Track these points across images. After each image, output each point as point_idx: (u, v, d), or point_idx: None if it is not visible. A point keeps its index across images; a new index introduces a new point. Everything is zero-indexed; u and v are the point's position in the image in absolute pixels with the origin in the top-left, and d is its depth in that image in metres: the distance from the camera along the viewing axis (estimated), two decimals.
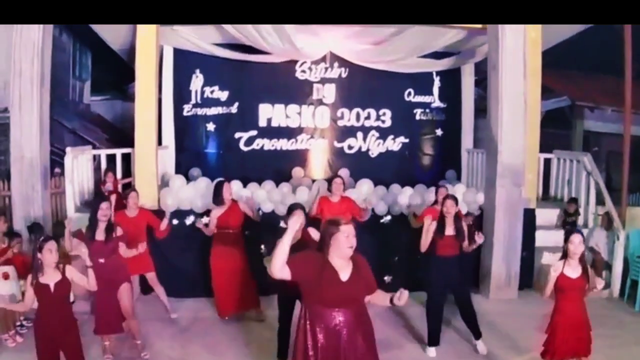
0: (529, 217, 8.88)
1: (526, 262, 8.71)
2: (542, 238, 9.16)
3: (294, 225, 3.84)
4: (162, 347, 6.73)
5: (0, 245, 7.17)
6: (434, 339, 6.55)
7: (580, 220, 9.53)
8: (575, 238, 5.05)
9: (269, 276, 3.86)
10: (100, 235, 6.12)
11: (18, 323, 7.30)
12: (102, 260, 5.86)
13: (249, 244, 7.67)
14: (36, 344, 4.97)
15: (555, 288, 5.09)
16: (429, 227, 6.40)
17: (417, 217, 8.12)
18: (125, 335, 6.45)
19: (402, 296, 3.86)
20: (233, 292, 7.35)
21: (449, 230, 6.41)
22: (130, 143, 9.42)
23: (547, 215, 9.57)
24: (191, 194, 8.62)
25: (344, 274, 3.87)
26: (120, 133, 14.94)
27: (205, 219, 7.76)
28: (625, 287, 8.40)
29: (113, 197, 8.25)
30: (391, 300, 3.94)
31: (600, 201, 9.50)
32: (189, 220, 8.34)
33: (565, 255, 5.12)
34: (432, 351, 6.51)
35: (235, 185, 8.61)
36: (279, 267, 3.77)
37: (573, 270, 5.07)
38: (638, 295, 7.95)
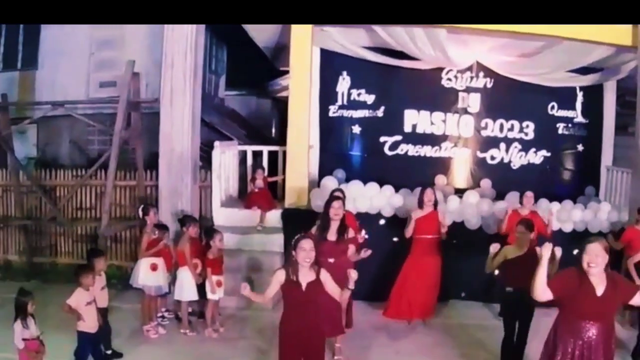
0: None
1: None
2: None
3: (548, 254, 4.24)
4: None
5: (151, 236, 7.31)
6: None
7: None
8: None
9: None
10: (332, 235, 6.18)
11: (159, 314, 7.50)
12: (331, 260, 5.84)
13: None
14: (279, 346, 4.91)
15: None
16: None
17: (617, 239, 8.08)
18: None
19: None
20: (415, 298, 7.53)
21: None
22: (265, 141, 9.47)
23: None
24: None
25: (600, 288, 4.19)
26: (254, 130, 15.12)
27: None
28: None
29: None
30: None
31: None
32: None
33: None
34: None
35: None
36: (542, 291, 4.19)
37: None
38: None
